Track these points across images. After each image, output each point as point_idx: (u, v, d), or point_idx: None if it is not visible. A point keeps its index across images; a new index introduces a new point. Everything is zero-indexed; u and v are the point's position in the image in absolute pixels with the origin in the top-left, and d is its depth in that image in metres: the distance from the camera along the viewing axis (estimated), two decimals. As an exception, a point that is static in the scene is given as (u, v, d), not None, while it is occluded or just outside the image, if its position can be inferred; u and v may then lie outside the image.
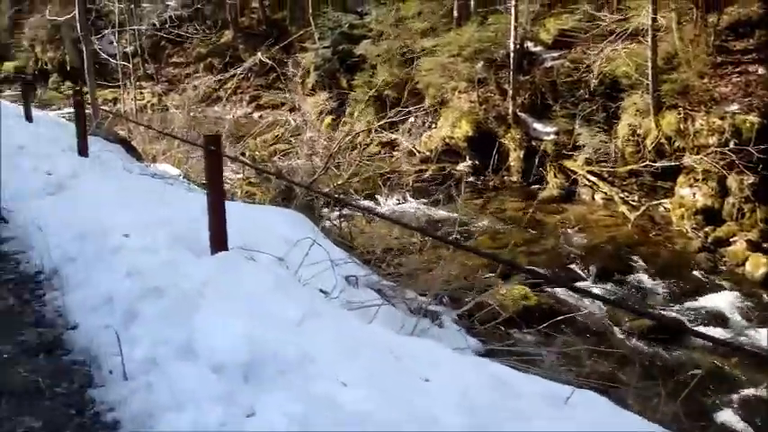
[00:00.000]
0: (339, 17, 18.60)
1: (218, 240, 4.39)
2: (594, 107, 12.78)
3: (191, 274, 3.97)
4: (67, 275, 4.55)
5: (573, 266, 9.84)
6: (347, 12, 19.49)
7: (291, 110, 18.08)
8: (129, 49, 17.82)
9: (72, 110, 20.53)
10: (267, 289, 3.82)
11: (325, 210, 10.27)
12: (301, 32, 19.01)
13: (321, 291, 4.37)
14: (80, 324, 3.94)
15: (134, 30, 17.17)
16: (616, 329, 7.97)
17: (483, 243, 10.63)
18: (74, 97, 7.82)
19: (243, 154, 12.07)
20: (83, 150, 7.54)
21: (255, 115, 19.30)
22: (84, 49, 11.60)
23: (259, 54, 18.51)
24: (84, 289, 4.31)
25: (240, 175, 12.30)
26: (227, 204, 4.54)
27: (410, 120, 14.02)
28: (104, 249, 4.60)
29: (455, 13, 15.57)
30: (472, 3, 15.44)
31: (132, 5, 15.68)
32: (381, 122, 11.75)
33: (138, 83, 17.30)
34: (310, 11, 19.07)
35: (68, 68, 24.89)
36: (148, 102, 18.84)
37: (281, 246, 4.99)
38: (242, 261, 4.24)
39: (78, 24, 12.07)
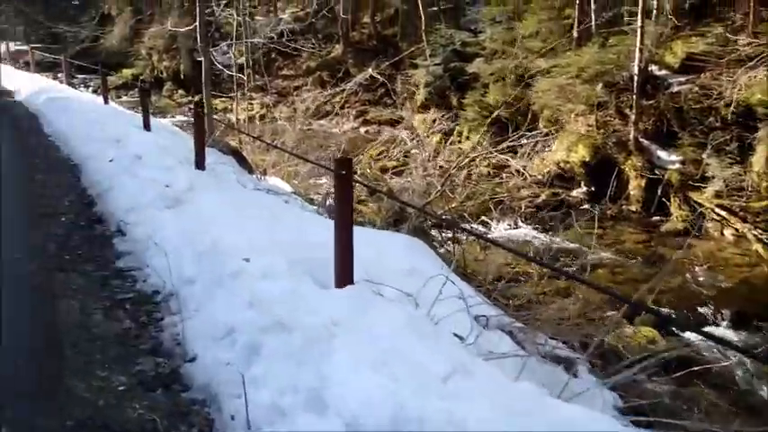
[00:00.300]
0: (452, 34, 18.27)
1: (345, 272, 4.07)
2: (727, 137, 11.88)
3: (317, 310, 3.65)
4: (186, 298, 4.34)
5: (703, 309, 9.06)
6: (460, 29, 19.14)
7: (398, 126, 17.86)
8: (242, 61, 18.05)
9: (185, 118, 21.42)
10: (402, 333, 3.45)
11: (433, 231, 9.95)
12: (412, 49, 18.77)
13: (455, 335, 3.97)
14: (199, 356, 3.70)
15: (248, 42, 17.32)
16: (759, 384, 7.21)
17: (601, 276, 9.98)
18: (194, 109, 7.73)
19: (354, 171, 11.82)
20: (200, 163, 7.43)
21: (362, 130, 19.19)
22: (202, 60, 11.68)
23: (369, 69, 18.42)
24: (203, 315, 4.08)
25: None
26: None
27: (523, 141, 13.47)
28: (224, 273, 4.36)
29: (575, 33, 14.94)
30: (593, 23, 14.75)
31: (247, 18, 15.78)
32: (501, 146, 11.28)
33: (248, 94, 17.43)
34: (423, 27, 18.80)
35: (182, 77, 25.59)
36: (257, 113, 18.99)
37: (406, 278, 4.66)
38: (371, 298, 3.89)
39: (198, 36, 12.19)
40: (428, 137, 14.77)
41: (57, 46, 33.66)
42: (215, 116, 20.75)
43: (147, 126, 9.92)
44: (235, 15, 14.64)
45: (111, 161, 7.75)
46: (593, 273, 10.26)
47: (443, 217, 8.85)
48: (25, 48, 33.98)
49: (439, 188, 9.11)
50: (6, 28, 39.35)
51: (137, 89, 27.42)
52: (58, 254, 5.32)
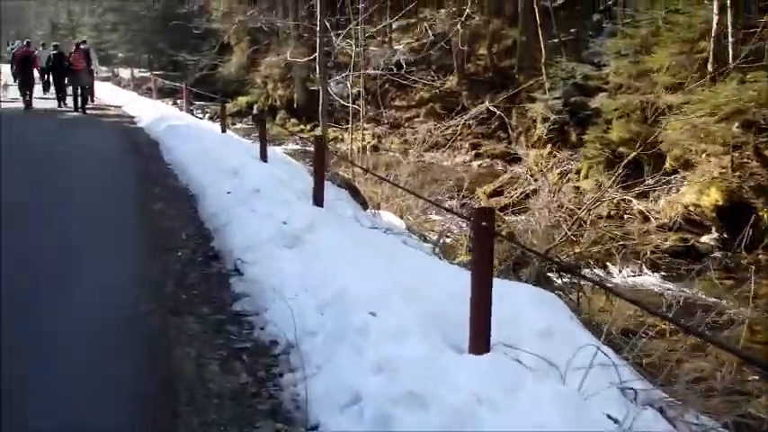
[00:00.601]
0: (573, 67, 17.60)
1: (482, 335, 3.61)
2: None
3: (456, 382, 3.22)
4: (307, 353, 3.99)
5: None
6: (582, 62, 18.42)
7: (514, 161, 17.29)
8: (355, 91, 17.99)
9: (297, 146, 21.59)
10: (554, 418, 2.96)
11: (550, 273, 9.35)
12: (530, 82, 18.18)
13: (609, 417, 3.42)
14: (321, 424, 3.34)
15: (362, 73, 17.24)
16: None
17: (741, 337, 9.05)
18: (315, 144, 7.44)
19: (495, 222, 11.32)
20: (318, 199, 7.14)
21: (475, 164, 18.70)
22: (315, 89, 11.59)
23: (486, 102, 17.97)
24: (325, 375, 3.71)
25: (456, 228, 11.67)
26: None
27: (648, 182, 12.63)
28: (348, 328, 3.98)
29: (709, 68, 13.99)
30: (730, 57, 13.77)
31: (362, 49, 15.68)
32: (625, 186, 10.56)
33: (361, 125, 17.31)
34: (543, 59, 18.22)
35: (295, 106, 25.91)
36: (368, 143, 18.86)
37: (543, 341, 4.14)
38: (514, 369, 3.42)
39: (317, 67, 12.13)
40: (545, 174, 14.15)
41: (177, 73, 35.00)
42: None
43: (263, 157, 9.79)
44: (354, 47, 14.53)
45: (228, 193, 7.60)
46: (730, 330, 9.36)
47: (567, 263, 8.26)
48: (148, 74, 35.58)
49: (566, 231, 8.51)
50: (132, 56, 41.40)
51: (251, 117, 28.11)
52: (175, 293, 5.10)
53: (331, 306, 4.35)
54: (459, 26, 16.09)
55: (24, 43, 20.34)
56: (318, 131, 23.20)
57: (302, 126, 25.34)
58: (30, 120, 16.79)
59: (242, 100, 28.24)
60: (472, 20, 18.05)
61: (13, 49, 23.14)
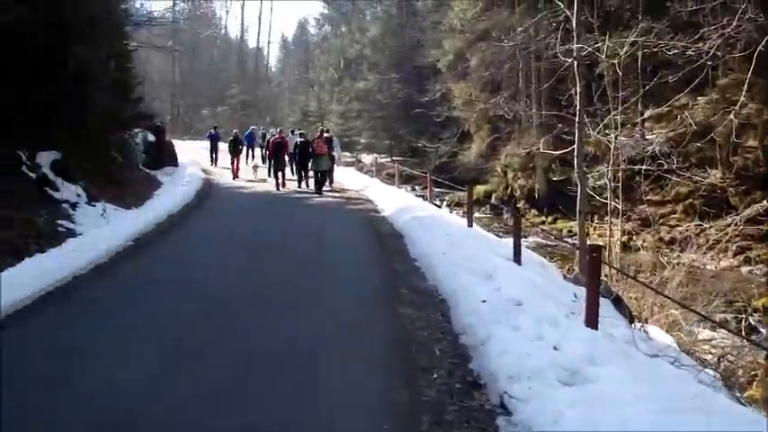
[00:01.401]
0: None
1: None
2: None
3: None
4: None
5: None
6: None
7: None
8: (602, 183, 16.75)
9: (539, 239, 20.55)
10: None
11: None
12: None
13: None
14: None
15: (618, 167, 15.95)
16: None
17: None
18: (590, 254, 6.31)
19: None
20: (591, 319, 6.06)
21: (744, 270, 16.36)
22: (578, 185, 10.62)
23: (765, 201, 15.79)
24: None
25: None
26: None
27: None
28: None
29: None
30: None
31: (615, 139, 14.46)
32: None
33: (616, 221, 15.94)
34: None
35: (536, 196, 24.95)
36: (617, 239, 17.31)
37: None
38: None
39: (576, 159, 11.19)
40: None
41: (416, 160, 35.73)
42: (568, 239, 19.59)
43: (517, 259, 8.92)
44: (613, 138, 13.42)
45: (483, 302, 6.76)
46: None
47: None
48: (389, 160, 36.68)
49: None
50: (374, 142, 43.20)
51: (489, 206, 27.59)
52: (430, 432, 4.29)
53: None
54: (732, 115, 14.32)
55: (277, 131, 22.31)
56: (568, 225, 22.17)
57: (543, 218, 24.26)
58: (277, 200, 17.50)
59: (480, 188, 27.79)
60: (743, 107, 16.09)
61: (268, 135, 25.18)
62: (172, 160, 22.79)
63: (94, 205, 12.27)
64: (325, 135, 19.89)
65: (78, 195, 12.13)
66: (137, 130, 20.42)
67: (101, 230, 10.74)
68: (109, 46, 16.26)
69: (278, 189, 18.95)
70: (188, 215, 13.97)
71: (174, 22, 50.94)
